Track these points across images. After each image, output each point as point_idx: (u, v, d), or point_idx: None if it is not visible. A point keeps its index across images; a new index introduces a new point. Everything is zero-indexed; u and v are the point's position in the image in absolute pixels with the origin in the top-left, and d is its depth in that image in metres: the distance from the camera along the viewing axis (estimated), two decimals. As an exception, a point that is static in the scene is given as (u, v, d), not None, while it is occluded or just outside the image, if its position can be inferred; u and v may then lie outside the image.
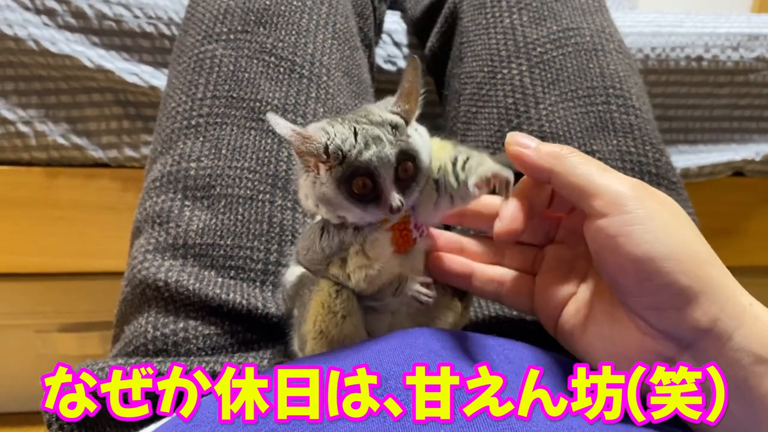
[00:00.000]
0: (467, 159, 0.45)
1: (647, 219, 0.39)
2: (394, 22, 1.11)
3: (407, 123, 0.43)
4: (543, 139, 0.70)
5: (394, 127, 0.42)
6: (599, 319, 0.45)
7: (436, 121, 1.01)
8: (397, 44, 1.09)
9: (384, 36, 1.09)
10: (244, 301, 0.58)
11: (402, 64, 1.09)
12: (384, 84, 1.05)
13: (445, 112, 0.88)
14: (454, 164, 0.45)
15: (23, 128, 1.03)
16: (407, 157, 0.42)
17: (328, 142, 0.41)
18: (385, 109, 0.43)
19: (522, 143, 0.46)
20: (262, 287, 0.60)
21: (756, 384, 0.37)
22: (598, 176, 0.42)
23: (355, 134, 0.41)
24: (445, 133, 0.85)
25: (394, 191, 0.41)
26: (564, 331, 0.48)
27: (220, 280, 0.59)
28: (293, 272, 0.52)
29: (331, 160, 0.41)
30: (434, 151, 0.46)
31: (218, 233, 0.61)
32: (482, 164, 0.44)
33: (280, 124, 0.41)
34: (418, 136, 0.44)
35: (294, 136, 0.41)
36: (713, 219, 1.20)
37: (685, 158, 1.16)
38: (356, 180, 0.41)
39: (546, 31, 0.76)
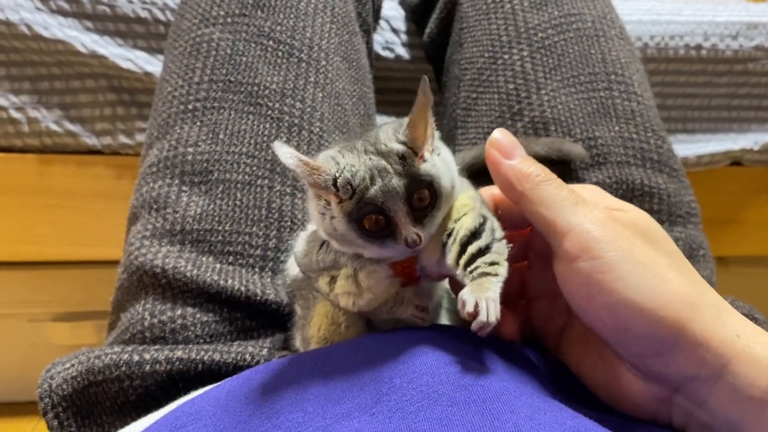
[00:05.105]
0: (478, 252, 0.39)
1: (618, 263, 0.36)
2: (392, 8, 1.10)
3: (417, 151, 0.39)
4: (545, 125, 0.70)
5: (401, 156, 0.38)
6: (594, 358, 0.43)
7: (435, 109, 1.00)
8: (395, 30, 1.08)
9: (382, 22, 1.08)
10: (243, 288, 0.57)
11: (400, 51, 1.07)
12: (381, 71, 1.04)
13: (444, 98, 0.87)
14: (464, 246, 0.40)
15: (15, 114, 1.01)
16: (421, 185, 0.38)
17: (337, 175, 0.37)
18: (393, 136, 0.39)
19: (504, 149, 0.42)
20: (261, 273, 0.60)
21: (750, 424, 0.35)
22: (569, 212, 0.39)
23: (364, 168, 0.38)
24: (445, 120, 0.84)
25: (409, 225, 0.38)
26: (563, 358, 0.47)
27: (218, 266, 0.59)
28: (295, 265, 0.51)
29: (341, 193, 0.38)
30: (457, 207, 0.42)
31: (216, 219, 0.60)
32: (481, 287, 0.37)
33: (285, 154, 0.37)
34: (438, 159, 0.40)
35: (301, 166, 0.37)
36: (711, 209, 1.19)
37: (683, 147, 1.16)
38: (367, 217, 0.38)
39: (547, 16, 0.75)
